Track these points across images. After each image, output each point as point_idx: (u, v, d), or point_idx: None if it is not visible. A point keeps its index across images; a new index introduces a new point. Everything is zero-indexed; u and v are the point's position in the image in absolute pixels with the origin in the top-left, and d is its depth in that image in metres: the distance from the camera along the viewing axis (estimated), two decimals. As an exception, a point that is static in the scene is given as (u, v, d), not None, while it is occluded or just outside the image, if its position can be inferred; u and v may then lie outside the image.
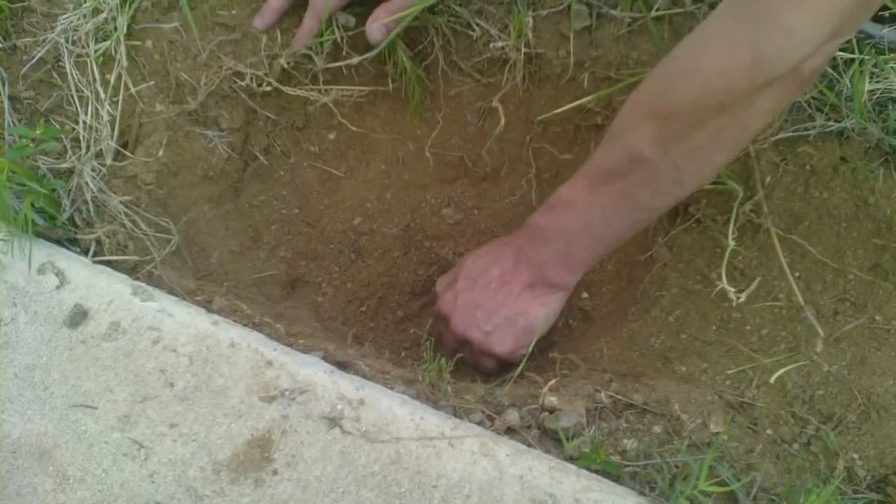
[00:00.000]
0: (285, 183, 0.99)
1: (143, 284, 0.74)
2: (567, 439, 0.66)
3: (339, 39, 0.85)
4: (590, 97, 0.87)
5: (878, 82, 0.77)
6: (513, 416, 0.69)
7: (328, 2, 0.80)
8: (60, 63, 0.82)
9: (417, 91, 0.94)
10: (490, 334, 0.85)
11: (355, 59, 0.87)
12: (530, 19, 0.84)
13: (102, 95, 0.81)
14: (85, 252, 0.77)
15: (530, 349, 0.80)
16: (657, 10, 0.81)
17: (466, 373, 0.93)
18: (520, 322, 0.84)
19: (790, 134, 0.80)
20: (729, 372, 0.75)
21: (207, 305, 0.75)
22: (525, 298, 0.83)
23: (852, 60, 0.77)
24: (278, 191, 0.99)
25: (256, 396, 0.66)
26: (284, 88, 0.87)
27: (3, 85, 0.82)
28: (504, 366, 0.89)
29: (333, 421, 0.64)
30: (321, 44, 0.85)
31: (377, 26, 0.82)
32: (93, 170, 0.79)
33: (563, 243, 0.78)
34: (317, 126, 0.99)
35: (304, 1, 0.84)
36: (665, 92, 0.64)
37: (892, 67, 0.77)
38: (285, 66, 0.85)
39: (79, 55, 0.81)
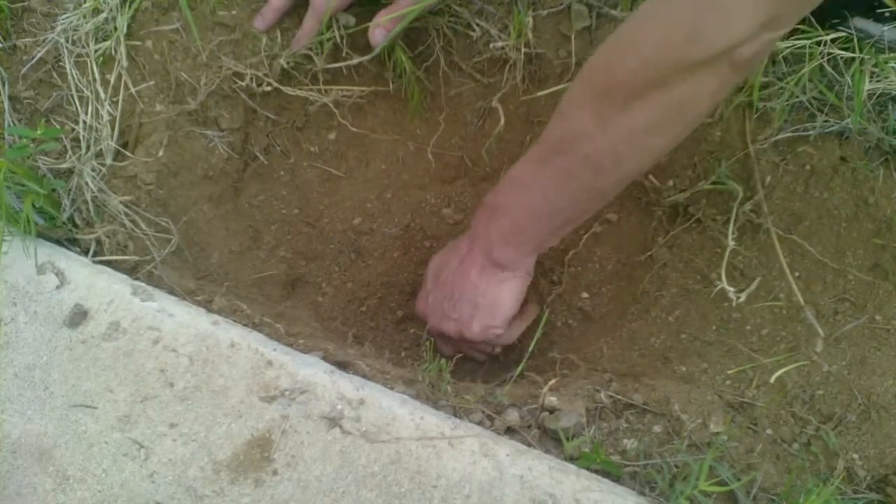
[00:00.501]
0: (285, 183, 0.99)
1: (143, 284, 0.74)
2: (567, 439, 0.66)
3: (339, 40, 0.85)
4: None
5: (878, 81, 0.77)
6: (513, 416, 0.69)
7: (330, 3, 0.80)
8: (60, 63, 0.82)
9: (417, 92, 0.94)
10: (459, 321, 0.86)
11: (355, 60, 0.87)
12: (530, 19, 0.84)
13: (102, 95, 0.81)
14: (85, 252, 0.77)
15: (504, 334, 0.80)
16: None
17: (466, 373, 0.93)
18: (479, 302, 0.85)
19: (790, 134, 0.80)
20: (729, 372, 0.75)
21: (207, 305, 0.75)
22: (483, 279, 0.84)
23: (852, 60, 0.77)
24: (278, 191, 0.99)
25: (256, 396, 0.66)
26: (284, 89, 0.87)
27: (3, 85, 0.82)
28: (503, 350, 0.91)
29: (333, 421, 0.64)
30: (321, 44, 0.85)
31: (377, 29, 0.82)
32: (93, 170, 0.79)
33: (509, 220, 0.79)
34: (317, 126, 0.99)
35: (305, 1, 0.84)
36: (604, 66, 0.64)
37: (892, 67, 0.77)
38: (285, 66, 0.85)
39: (79, 55, 0.81)
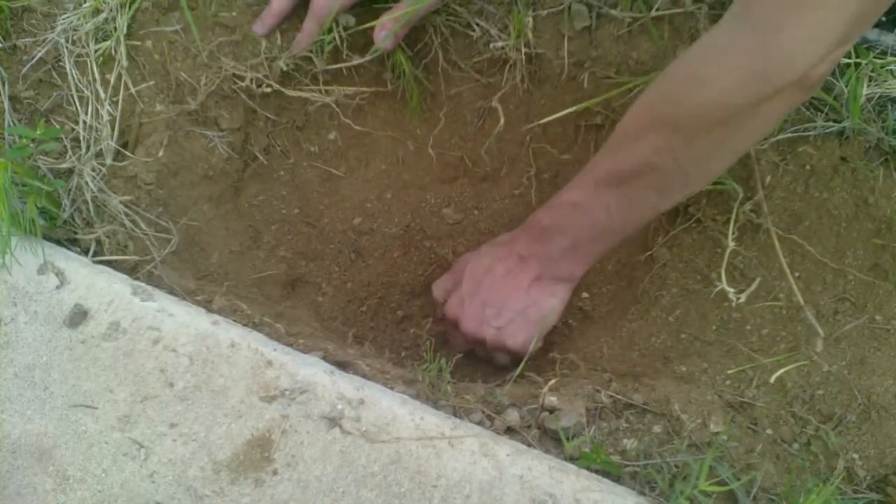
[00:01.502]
0: (285, 183, 0.99)
1: (143, 284, 0.74)
2: (567, 439, 0.66)
3: (339, 43, 0.85)
4: (593, 101, 0.87)
5: (876, 86, 0.78)
6: (513, 416, 0.69)
7: (331, 7, 0.80)
8: (60, 63, 0.82)
9: (416, 93, 0.94)
10: (502, 329, 0.86)
11: (355, 61, 0.87)
12: (530, 19, 0.84)
13: (102, 95, 0.81)
14: (85, 252, 0.77)
15: (534, 345, 0.80)
16: (657, 10, 0.81)
17: (466, 373, 0.93)
18: (531, 314, 0.85)
19: (790, 134, 0.80)
20: (729, 372, 0.75)
21: (207, 305, 0.75)
22: (535, 290, 0.85)
23: (849, 65, 0.77)
24: (278, 191, 0.99)
25: (256, 396, 0.66)
26: (285, 90, 0.87)
27: (3, 85, 0.82)
28: (517, 360, 0.90)
29: (333, 421, 0.64)
30: (322, 47, 0.85)
31: (386, 35, 0.82)
32: (93, 170, 0.79)
33: (570, 240, 0.80)
34: (317, 126, 0.99)
35: (305, 4, 0.84)
36: (672, 101, 0.65)
37: (889, 71, 0.77)
38: (284, 68, 0.85)
39: (79, 55, 0.81)
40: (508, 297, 0.85)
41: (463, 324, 0.88)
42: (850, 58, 0.77)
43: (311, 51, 0.86)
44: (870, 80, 0.77)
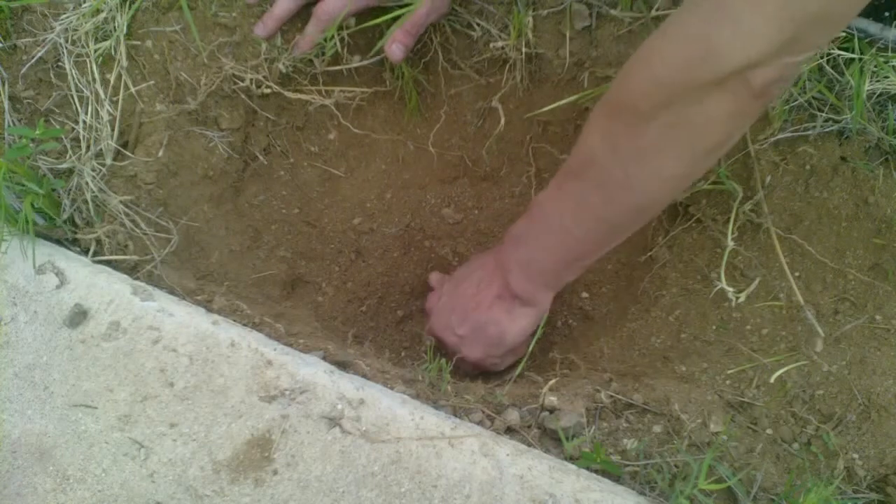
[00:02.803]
0: (285, 183, 0.99)
1: (143, 284, 0.74)
2: (567, 439, 0.66)
3: (339, 48, 0.85)
4: (581, 94, 0.86)
5: (877, 81, 0.78)
6: (513, 416, 0.69)
7: (336, 13, 0.80)
8: (60, 63, 0.82)
9: (414, 94, 0.94)
10: (463, 339, 0.86)
11: (355, 63, 0.87)
12: (530, 19, 0.84)
13: (102, 95, 0.81)
14: (85, 252, 0.77)
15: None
16: (657, 9, 0.81)
17: (466, 373, 0.93)
18: (489, 331, 0.84)
19: (790, 134, 0.80)
20: (729, 372, 0.75)
21: (207, 305, 0.75)
22: (496, 309, 0.83)
23: (852, 60, 0.77)
24: (278, 191, 0.99)
25: (256, 396, 0.66)
26: (285, 92, 0.87)
27: (3, 85, 0.82)
28: (481, 372, 0.91)
29: (333, 421, 0.64)
30: (323, 50, 0.85)
31: (395, 44, 0.82)
32: (93, 170, 0.79)
33: (527, 250, 0.77)
34: (317, 126, 0.99)
35: (306, 8, 0.84)
36: (618, 86, 0.63)
37: (891, 67, 0.77)
38: (283, 70, 0.85)
39: (78, 55, 0.81)
40: (474, 309, 0.85)
41: (431, 320, 0.90)
42: (853, 53, 0.77)
43: (312, 53, 0.86)
44: (872, 76, 0.77)
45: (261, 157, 0.94)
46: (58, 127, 0.81)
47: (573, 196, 0.70)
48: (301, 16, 0.85)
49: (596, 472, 0.64)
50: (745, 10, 0.52)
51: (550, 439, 0.68)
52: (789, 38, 0.52)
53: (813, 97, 0.79)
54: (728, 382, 0.75)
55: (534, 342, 0.81)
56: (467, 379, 0.86)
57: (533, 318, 0.83)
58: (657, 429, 0.70)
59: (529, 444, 0.66)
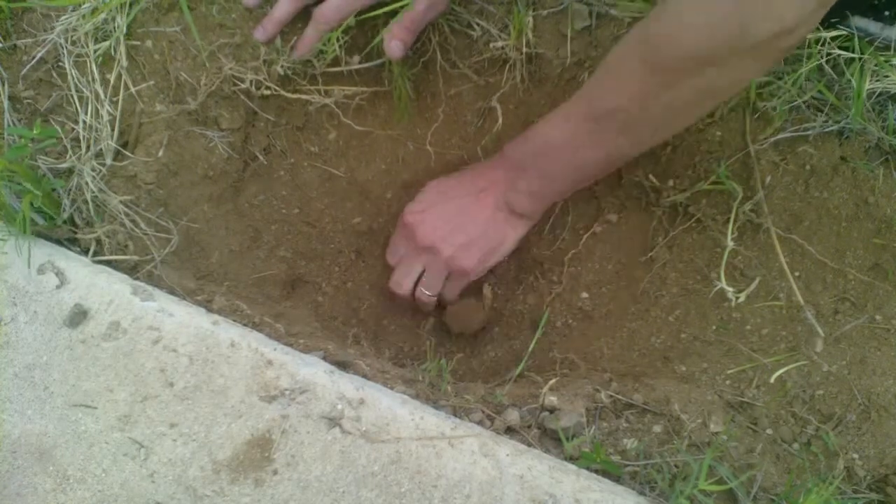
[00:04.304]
0: (285, 183, 0.99)
1: (143, 284, 0.74)
2: (567, 439, 0.66)
3: (338, 51, 0.84)
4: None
5: (877, 81, 0.77)
6: (513, 416, 0.69)
7: (336, 17, 0.80)
8: (60, 63, 0.82)
9: (405, 94, 0.94)
10: (461, 247, 0.87)
11: (355, 65, 0.87)
12: (530, 19, 0.84)
13: (102, 95, 0.81)
14: (85, 252, 0.77)
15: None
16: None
17: (466, 373, 0.93)
18: (490, 238, 0.87)
19: (790, 134, 0.80)
20: (729, 372, 0.75)
21: (207, 305, 0.75)
22: (498, 218, 0.86)
23: (852, 60, 0.77)
24: (278, 191, 0.99)
25: (256, 396, 0.66)
26: (284, 92, 0.87)
27: (3, 85, 0.82)
28: (440, 307, 0.93)
29: (333, 421, 0.64)
30: (323, 53, 0.85)
31: (393, 41, 0.82)
32: (93, 169, 0.79)
33: (533, 177, 0.81)
34: (317, 126, 0.99)
35: (306, 8, 0.84)
36: (651, 43, 0.65)
37: (892, 66, 0.77)
38: (281, 72, 0.85)
39: (78, 55, 0.81)
40: (472, 218, 0.86)
41: (420, 231, 0.88)
42: (853, 52, 0.77)
43: (311, 55, 0.85)
44: (872, 76, 0.77)
45: (261, 157, 0.94)
46: (57, 127, 0.81)
47: (594, 134, 0.74)
48: (301, 17, 0.85)
49: (596, 472, 0.64)
50: None
51: (550, 439, 0.68)
52: (818, 4, 0.55)
53: (813, 97, 0.79)
54: (728, 382, 0.75)
55: (534, 342, 0.81)
56: (467, 379, 0.86)
57: (527, 228, 0.89)
58: (657, 429, 0.70)
59: (529, 444, 0.66)
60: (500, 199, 0.86)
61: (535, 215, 0.87)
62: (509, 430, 0.68)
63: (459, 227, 0.87)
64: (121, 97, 0.81)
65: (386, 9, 0.79)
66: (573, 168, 0.79)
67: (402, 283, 0.93)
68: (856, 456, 0.70)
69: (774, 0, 0.55)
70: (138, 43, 0.82)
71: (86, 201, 0.78)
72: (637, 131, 0.71)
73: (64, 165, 0.79)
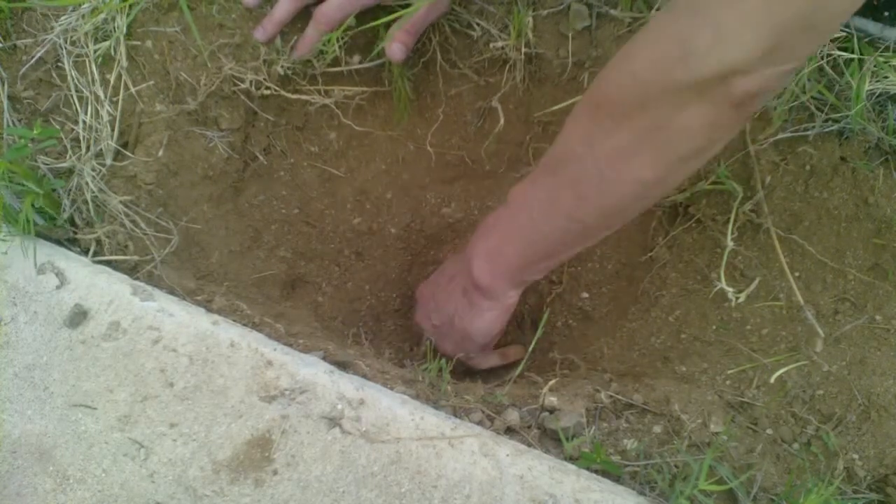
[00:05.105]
0: (285, 183, 0.99)
1: (143, 284, 0.74)
2: (567, 439, 0.66)
3: (338, 51, 0.85)
4: (581, 95, 0.86)
5: (877, 81, 0.77)
6: (513, 416, 0.69)
7: (336, 17, 0.80)
8: (60, 63, 0.82)
9: (404, 93, 0.94)
10: (437, 329, 0.88)
11: (355, 66, 0.87)
12: (530, 19, 0.84)
13: (102, 95, 0.81)
14: (85, 252, 0.77)
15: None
16: (657, 9, 0.81)
17: (466, 373, 0.93)
18: (455, 324, 0.85)
19: (790, 134, 0.80)
20: (729, 372, 0.75)
21: (207, 305, 0.75)
22: (462, 302, 0.84)
23: (852, 60, 0.77)
24: (278, 191, 0.99)
25: (256, 396, 0.66)
26: (284, 93, 0.87)
27: (3, 85, 0.82)
28: (479, 370, 0.92)
29: (333, 421, 0.64)
30: (323, 54, 0.85)
31: (395, 44, 0.82)
32: (93, 170, 0.79)
33: (494, 242, 0.77)
34: (317, 126, 0.99)
35: (306, 8, 0.84)
36: (597, 83, 0.62)
37: (892, 67, 0.77)
38: (282, 72, 0.85)
39: (78, 55, 0.81)
40: (445, 298, 0.86)
41: (416, 308, 0.93)
42: (852, 53, 0.77)
43: (311, 55, 0.85)
44: (872, 76, 0.77)
45: (261, 158, 0.94)
46: (56, 127, 0.81)
47: (545, 191, 0.69)
48: (301, 17, 0.85)
49: (596, 472, 0.64)
50: (726, 15, 0.50)
51: (550, 439, 0.68)
52: (772, 45, 0.50)
53: (813, 97, 0.79)
54: (728, 382, 0.75)
55: (534, 342, 0.81)
56: (467, 379, 0.86)
57: (497, 314, 0.82)
58: (657, 429, 0.70)
59: (529, 445, 0.66)
60: (467, 275, 0.81)
61: (498, 295, 0.80)
62: (509, 431, 0.68)
63: (437, 308, 0.88)
64: (121, 97, 0.81)
65: (391, 17, 0.79)
66: (527, 234, 0.72)
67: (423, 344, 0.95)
68: (856, 456, 0.70)
69: (722, 35, 0.51)
70: (138, 43, 0.82)
71: (86, 201, 0.78)
72: (584, 184, 0.64)
73: (64, 165, 0.79)
